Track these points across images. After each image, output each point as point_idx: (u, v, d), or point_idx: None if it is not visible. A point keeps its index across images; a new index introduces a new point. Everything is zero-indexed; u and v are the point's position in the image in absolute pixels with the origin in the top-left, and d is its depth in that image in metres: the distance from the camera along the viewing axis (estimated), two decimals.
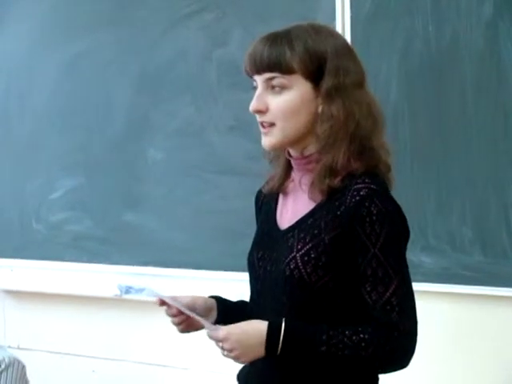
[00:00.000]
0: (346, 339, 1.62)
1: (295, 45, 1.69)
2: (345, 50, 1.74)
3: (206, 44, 3.04)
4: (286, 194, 1.82)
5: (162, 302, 1.79)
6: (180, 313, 1.79)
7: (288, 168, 1.81)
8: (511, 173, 2.46)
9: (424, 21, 2.57)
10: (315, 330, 1.64)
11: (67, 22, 3.37)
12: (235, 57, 2.93)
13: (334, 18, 2.69)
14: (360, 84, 1.73)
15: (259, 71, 1.71)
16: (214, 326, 1.72)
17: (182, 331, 1.84)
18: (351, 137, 1.69)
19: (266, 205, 1.88)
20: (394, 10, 2.63)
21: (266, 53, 1.70)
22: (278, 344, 1.64)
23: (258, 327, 1.66)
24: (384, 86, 2.60)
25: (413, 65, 2.60)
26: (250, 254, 1.84)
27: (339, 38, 1.78)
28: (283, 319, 1.66)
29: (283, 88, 1.70)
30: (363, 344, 1.62)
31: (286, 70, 1.69)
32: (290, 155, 1.78)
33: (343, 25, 2.69)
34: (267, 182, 1.86)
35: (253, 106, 1.73)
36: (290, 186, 1.81)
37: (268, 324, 1.65)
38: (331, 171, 1.69)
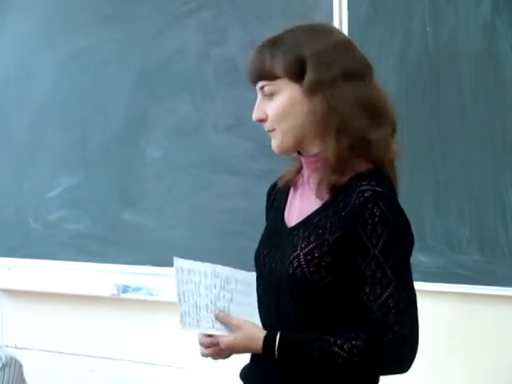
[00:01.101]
0: (337, 349, 1.63)
1: (276, 50, 1.71)
2: (338, 45, 1.73)
3: (203, 42, 3.04)
4: (295, 189, 1.83)
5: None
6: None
7: (301, 164, 1.83)
8: (509, 172, 2.47)
9: (422, 21, 2.57)
10: (306, 346, 1.65)
11: (66, 19, 3.36)
12: (233, 55, 2.94)
13: (331, 19, 2.69)
14: (347, 76, 1.70)
15: (253, 81, 1.77)
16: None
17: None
18: (338, 131, 1.69)
19: (277, 201, 1.89)
20: (391, 10, 2.63)
21: (253, 63, 1.75)
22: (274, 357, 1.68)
23: (256, 344, 1.69)
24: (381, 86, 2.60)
25: (410, 65, 2.60)
26: (257, 250, 1.85)
27: (333, 34, 1.77)
28: (278, 338, 1.68)
29: (273, 94, 1.73)
30: (355, 351, 1.62)
31: (271, 77, 1.72)
32: (300, 153, 1.79)
33: (340, 25, 2.69)
34: (282, 176, 1.88)
35: (254, 115, 1.77)
36: (300, 181, 1.83)
37: (262, 342, 1.69)
38: (334, 169, 1.69)
